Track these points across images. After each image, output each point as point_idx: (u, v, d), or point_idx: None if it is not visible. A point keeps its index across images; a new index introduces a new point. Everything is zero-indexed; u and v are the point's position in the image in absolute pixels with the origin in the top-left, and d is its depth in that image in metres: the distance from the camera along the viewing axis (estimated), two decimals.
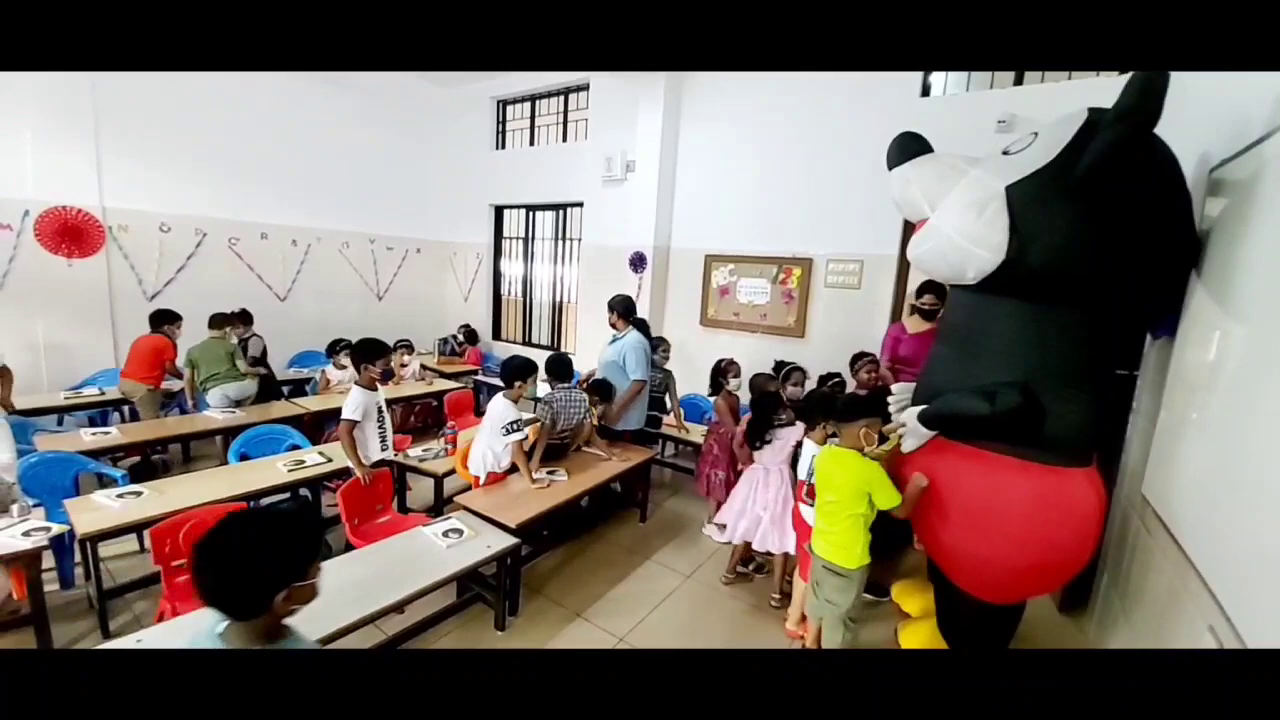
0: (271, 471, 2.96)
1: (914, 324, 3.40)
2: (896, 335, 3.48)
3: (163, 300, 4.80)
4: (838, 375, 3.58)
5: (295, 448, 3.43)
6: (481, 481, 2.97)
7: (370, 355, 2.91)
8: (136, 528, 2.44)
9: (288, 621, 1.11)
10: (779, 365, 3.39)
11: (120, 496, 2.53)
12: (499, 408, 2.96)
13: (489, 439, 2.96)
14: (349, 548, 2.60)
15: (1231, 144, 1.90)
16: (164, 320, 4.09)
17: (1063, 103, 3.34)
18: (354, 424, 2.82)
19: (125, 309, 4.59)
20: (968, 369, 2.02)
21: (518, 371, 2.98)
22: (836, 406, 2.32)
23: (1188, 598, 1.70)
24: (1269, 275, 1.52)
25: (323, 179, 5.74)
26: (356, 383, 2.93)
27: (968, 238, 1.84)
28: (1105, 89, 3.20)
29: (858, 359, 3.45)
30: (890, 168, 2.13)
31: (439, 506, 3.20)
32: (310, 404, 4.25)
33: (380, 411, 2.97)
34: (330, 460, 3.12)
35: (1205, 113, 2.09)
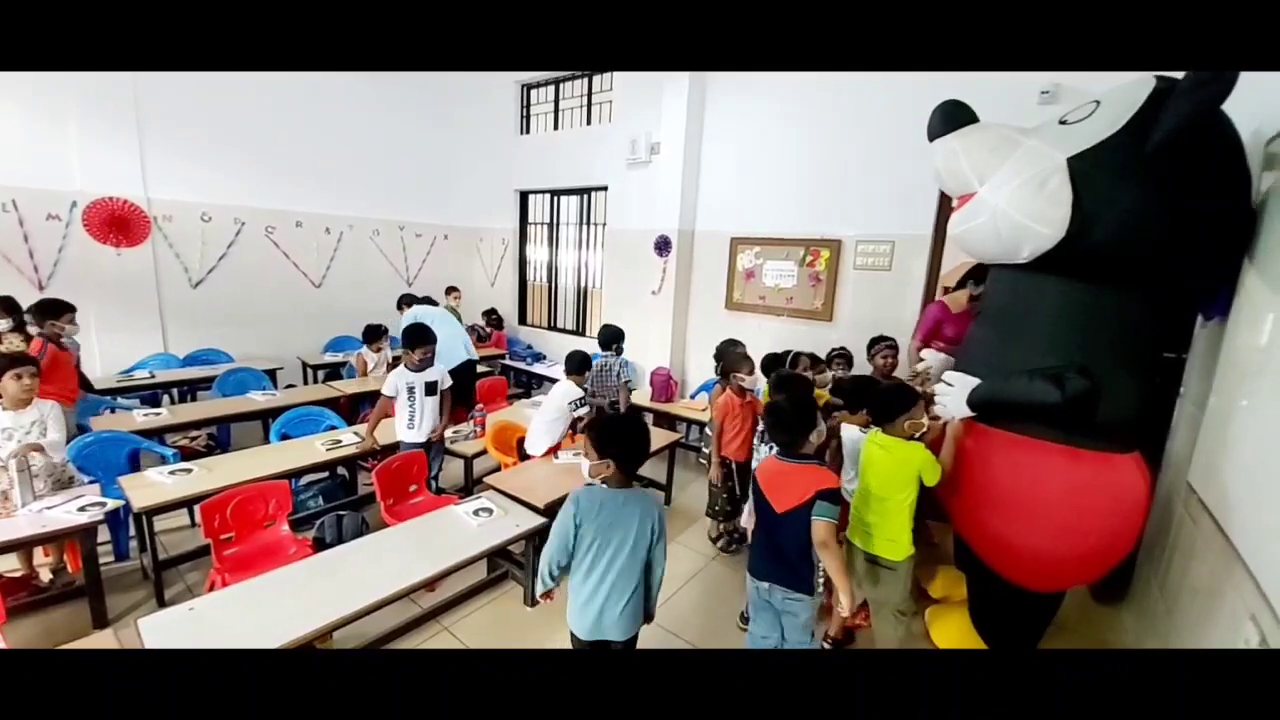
0: (310, 451, 3.08)
1: (957, 303, 3.21)
2: (939, 316, 3.25)
3: (207, 287, 5.00)
4: (842, 349, 3.54)
5: (332, 428, 3.56)
6: (538, 456, 3.20)
7: (414, 341, 3.11)
8: (187, 503, 2.57)
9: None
10: (777, 358, 3.31)
11: (172, 474, 2.67)
12: (565, 389, 3.24)
13: (549, 420, 3.21)
14: (385, 526, 2.70)
15: None
16: (48, 313, 3.25)
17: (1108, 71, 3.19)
18: (389, 399, 3.09)
19: (172, 296, 4.80)
20: (1011, 351, 1.94)
21: (584, 365, 3.33)
22: (875, 401, 2.24)
23: (1230, 587, 1.64)
24: None
25: (352, 167, 5.85)
26: (405, 363, 3.12)
27: (1026, 214, 1.72)
28: None
29: (875, 343, 3.37)
30: (931, 138, 2.01)
31: (469, 487, 3.29)
32: (346, 387, 4.39)
33: (412, 392, 3.06)
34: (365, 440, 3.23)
35: (1262, 79, 1.95)
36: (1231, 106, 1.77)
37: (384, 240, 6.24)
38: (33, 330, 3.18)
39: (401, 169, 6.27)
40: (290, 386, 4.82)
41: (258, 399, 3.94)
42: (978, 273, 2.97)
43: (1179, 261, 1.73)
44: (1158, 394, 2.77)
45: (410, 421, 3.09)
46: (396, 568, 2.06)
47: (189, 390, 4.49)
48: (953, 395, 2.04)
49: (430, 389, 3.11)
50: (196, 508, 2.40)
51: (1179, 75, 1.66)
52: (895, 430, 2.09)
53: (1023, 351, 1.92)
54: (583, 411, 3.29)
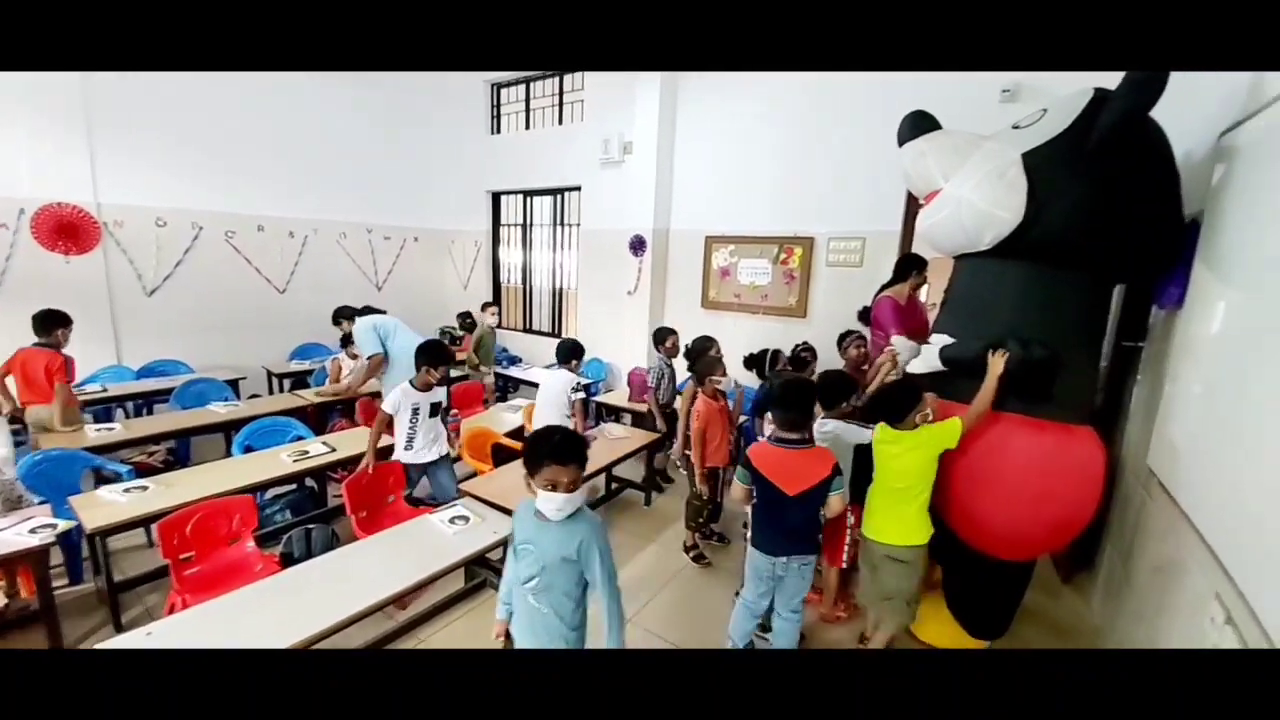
0: (276, 463, 2.97)
1: (901, 295, 3.36)
2: (897, 307, 3.40)
3: (163, 294, 4.80)
4: (806, 345, 3.59)
5: (300, 439, 3.44)
6: None
7: (434, 359, 2.95)
8: (144, 522, 2.45)
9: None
10: (756, 357, 3.34)
11: (127, 491, 2.54)
12: (562, 378, 3.41)
13: (551, 408, 3.39)
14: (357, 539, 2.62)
15: (1246, 106, 1.85)
16: (55, 324, 3.27)
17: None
18: (388, 417, 2.93)
19: (125, 305, 4.59)
20: (979, 332, 2.09)
21: (574, 351, 3.52)
22: (886, 402, 2.24)
23: (1193, 565, 1.71)
24: (1269, 242, 1.51)
25: (317, 169, 5.68)
26: (411, 380, 2.97)
27: (988, 201, 1.93)
28: None
29: (844, 337, 3.47)
30: (901, 144, 2.23)
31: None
32: (312, 395, 4.25)
33: (415, 414, 2.96)
34: (334, 450, 3.13)
35: (1216, 78, 2.04)
36: (1185, 107, 1.89)
37: (351, 243, 6.09)
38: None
39: (368, 170, 6.11)
40: (254, 396, 4.66)
41: (219, 410, 3.79)
42: (917, 263, 3.30)
43: (1119, 246, 1.95)
44: (1111, 377, 2.92)
45: (409, 443, 2.97)
46: (369, 581, 1.99)
47: (145, 404, 4.29)
48: (927, 354, 2.27)
49: (434, 410, 3.02)
50: (154, 526, 2.29)
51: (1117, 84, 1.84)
52: (906, 425, 2.11)
53: (986, 332, 2.09)
54: (583, 395, 3.40)
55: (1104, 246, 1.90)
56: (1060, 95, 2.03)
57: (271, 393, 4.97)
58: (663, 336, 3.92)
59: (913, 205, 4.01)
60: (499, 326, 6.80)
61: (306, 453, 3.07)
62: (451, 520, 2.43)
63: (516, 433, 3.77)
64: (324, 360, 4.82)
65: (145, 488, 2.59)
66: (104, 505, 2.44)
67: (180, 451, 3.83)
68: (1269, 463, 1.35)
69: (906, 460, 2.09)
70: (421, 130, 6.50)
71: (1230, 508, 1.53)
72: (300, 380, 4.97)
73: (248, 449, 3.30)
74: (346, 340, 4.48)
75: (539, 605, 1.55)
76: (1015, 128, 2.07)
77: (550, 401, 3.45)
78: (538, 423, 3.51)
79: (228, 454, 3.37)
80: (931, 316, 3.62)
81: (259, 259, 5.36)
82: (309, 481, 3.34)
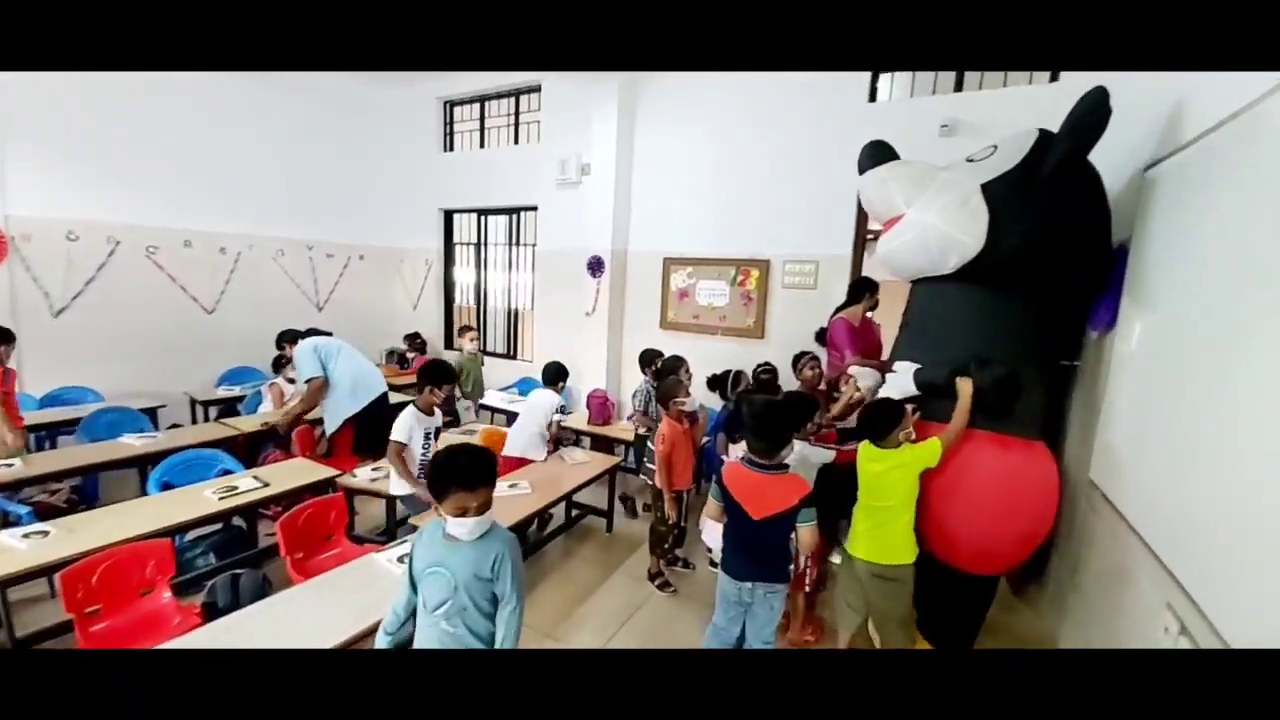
0: (198, 501, 2.69)
1: (855, 316, 3.51)
2: (851, 329, 3.50)
3: (73, 315, 4.36)
4: (768, 364, 3.66)
5: (227, 472, 3.15)
6: (541, 460, 3.46)
7: (439, 379, 2.80)
8: (45, 571, 2.15)
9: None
10: (719, 379, 3.37)
11: (26, 537, 2.23)
12: (547, 399, 3.54)
13: (533, 427, 3.51)
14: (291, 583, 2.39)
15: (1165, 145, 2.00)
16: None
17: (998, 108, 3.57)
18: (402, 445, 2.78)
19: (29, 327, 4.12)
20: (940, 353, 2.19)
21: (560, 373, 3.66)
22: (870, 422, 2.25)
23: (1141, 574, 1.77)
24: (1197, 269, 1.62)
25: (254, 182, 5.36)
26: (414, 404, 2.81)
27: (954, 226, 2.04)
28: (1036, 96, 3.42)
29: (799, 358, 3.54)
30: (862, 171, 2.34)
31: (391, 530, 3.01)
32: (243, 424, 3.92)
33: (427, 438, 2.81)
34: (267, 485, 2.87)
35: (1142, 115, 2.21)
36: (1112, 143, 2.04)
37: (290, 261, 5.75)
38: None
39: (310, 185, 5.83)
40: (175, 427, 4.25)
41: (133, 443, 3.42)
42: (870, 285, 3.51)
43: (1065, 271, 2.10)
44: (1055, 398, 3.08)
45: (422, 473, 2.77)
46: (304, 633, 1.80)
47: (48, 436, 3.85)
48: (899, 380, 2.32)
49: (436, 435, 2.87)
50: (57, 576, 2.01)
51: (1057, 128, 2.05)
52: (890, 444, 2.13)
53: (946, 352, 2.18)
54: (566, 417, 3.51)
55: (1053, 271, 2.04)
56: (1007, 134, 2.20)
57: (195, 422, 4.56)
58: (650, 358, 3.92)
59: (862, 230, 4.17)
60: (454, 349, 6.61)
61: (235, 488, 2.80)
62: (400, 559, 2.26)
63: None
64: (258, 385, 4.47)
65: (46, 532, 2.29)
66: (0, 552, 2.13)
67: (87, 490, 3.43)
68: (1209, 472, 1.42)
69: (889, 479, 2.11)
70: (368, 145, 6.28)
71: (1175, 518, 1.60)
72: (229, 408, 4.60)
73: (165, 486, 2.98)
74: (280, 364, 4.21)
75: (452, 629, 1.51)
76: (969, 160, 2.20)
77: (535, 421, 3.54)
78: (515, 442, 3.52)
79: (142, 492, 3.04)
80: (886, 336, 3.78)
81: (184, 277, 4.97)
82: (237, 520, 3.05)
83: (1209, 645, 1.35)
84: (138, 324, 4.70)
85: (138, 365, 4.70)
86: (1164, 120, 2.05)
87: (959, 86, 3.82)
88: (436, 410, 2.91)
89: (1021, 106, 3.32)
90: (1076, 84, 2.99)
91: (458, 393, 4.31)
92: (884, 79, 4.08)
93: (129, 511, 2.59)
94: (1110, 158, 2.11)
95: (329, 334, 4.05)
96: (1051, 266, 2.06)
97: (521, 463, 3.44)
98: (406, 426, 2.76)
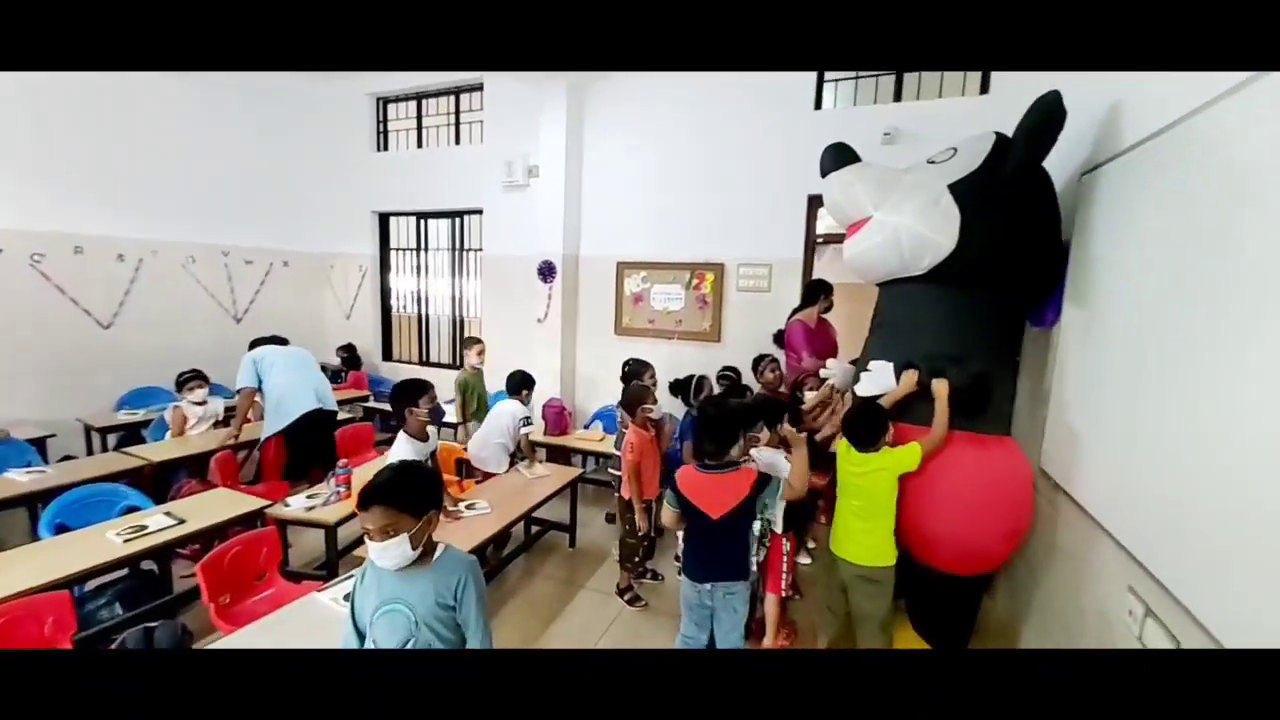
0: (100, 544, 2.33)
1: (811, 318, 3.66)
2: (807, 330, 3.60)
3: None
4: (731, 368, 3.72)
5: (133, 509, 2.76)
6: (502, 472, 3.37)
7: (413, 395, 2.54)
8: None
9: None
10: (682, 383, 3.30)
11: None
12: (511, 409, 3.42)
13: (498, 438, 3.40)
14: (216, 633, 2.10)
15: (1103, 150, 2.11)
16: None
17: (935, 118, 3.73)
18: None
19: None
20: (907, 352, 2.20)
21: (525, 381, 3.54)
22: (855, 428, 2.22)
23: (1100, 562, 1.83)
24: (1135, 268, 1.72)
25: (158, 182, 4.81)
26: (404, 430, 2.54)
27: (929, 227, 2.05)
28: (968, 107, 3.60)
29: (759, 361, 3.57)
30: (824, 174, 2.32)
31: (333, 564, 2.73)
32: (151, 453, 3.47)
33: (430, 463, 2.55)
34: (183, 521, 2.53)
35: (1080, 120, 2.32)
36: (1055, 149, 2.12)
37: (202, 269, 5.21)
38: None
39: (225, 185, 5.31)
40: (67, 459, 3.72)
41: (18, 479, 2.94)
42: (824, 288, 3.64)
43: (1025, 268, 2.16)
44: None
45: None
46: None
47: None
48: (876, 378, 2.30)
49: (433, 459, 2.63)
50: None
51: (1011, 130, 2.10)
52: (875, 449, 2.13)
53: (917, 351, 2.20)
54: (533, 429, 3.42)
55: (1014, 268, 2.10)
56: (965, 138, 2.25)
57: (92, 452, 4.02)
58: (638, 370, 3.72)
59: (811, 233, 4.25)
60: (393, 359, 6.22)
61: (144, 528, 2.45)
62: (346, 598, 2.02)
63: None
64: (164, 408, 3.98)
65: None
66: None
67: None
68: (1157, 456, 1.50)
69: (869, 481, 2.12)
70: (292, 142, 5.81)
71: (1133, 503, 1.64)
72: (133, 434, 4.07)
73: (60, 528, 2.58)
74: (183, 383, 3.81)
75: None
76: (931, 162, 2.23)
77: (500, 430, 3.43)
78: (480, 453, 3.42)
79: (34, 536, 2.62)
80: (840, 338, 3.88)
81: (75, 288, 4.37)
82: (146, 563, 2.67)
83: (1178, 624, 1.40)
84: (20, 342, 4.08)
85: (21, 389, 4.07)
86: (1098, 126, 2.17)
87: (898, 96, 3.98)
88: (430, 432, 2.65)
89: (957, 116, 3.49)
90: (1007, 95, 3.22)
91: (461, 415, 3.87)
92: (829, 88, 4.19)
93: (18, 559, 2.21)
94: (1050, 161, 2.21)
95: (285, 342, 3.83)
96: (1013, 264, 2.12)
97: (486, 476, 3.38)
98: (403, 456, 2.47)
